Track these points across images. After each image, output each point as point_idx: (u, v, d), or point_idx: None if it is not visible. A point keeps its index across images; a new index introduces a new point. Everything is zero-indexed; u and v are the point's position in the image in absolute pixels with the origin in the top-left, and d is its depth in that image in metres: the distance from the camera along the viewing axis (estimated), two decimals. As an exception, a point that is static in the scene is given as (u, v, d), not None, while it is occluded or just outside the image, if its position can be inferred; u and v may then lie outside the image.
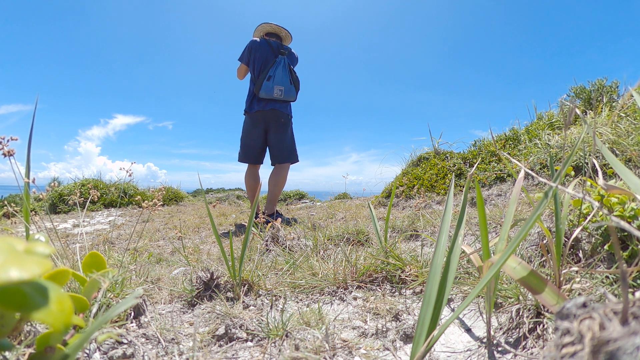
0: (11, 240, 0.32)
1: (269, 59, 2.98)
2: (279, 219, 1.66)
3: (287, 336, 0.74)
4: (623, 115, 2.08)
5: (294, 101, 3.10)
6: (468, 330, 0.79)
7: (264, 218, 2.73)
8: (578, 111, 0.67)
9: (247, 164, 3.06)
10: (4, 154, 0.80)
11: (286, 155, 3.04)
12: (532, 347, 0.66)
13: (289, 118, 3.06)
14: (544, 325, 0.68)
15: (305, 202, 5.49)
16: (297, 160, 3.12)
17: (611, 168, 1.61)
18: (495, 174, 2.63)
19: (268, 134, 3.02)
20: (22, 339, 0.57)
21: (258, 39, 3.02)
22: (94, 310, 0.55)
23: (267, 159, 3.13)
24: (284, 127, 3.03)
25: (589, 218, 0.83)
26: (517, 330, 0.72)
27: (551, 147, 2.32)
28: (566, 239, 0.84)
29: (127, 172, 1.27)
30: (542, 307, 0.71)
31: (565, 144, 1.59)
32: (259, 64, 2.97)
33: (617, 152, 1.77)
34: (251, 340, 0.75)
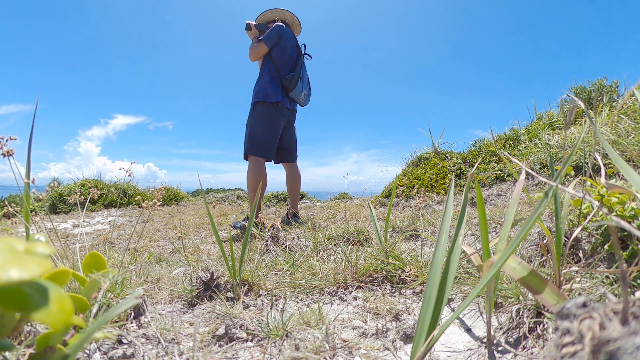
0: (11, 240, 0.32)
1: (294, 55, 2.80)
2: (279, 219, 1.66)
3: (287, 336, 0.74)
4: (623, 115, 2.08)
5: (303, 106, 3.00)
6: (468, 330, 0.79)
7: (292, 219, 2.70)
8: (582, 104, 0.67)
9: (255, 159, 2.62)
10: (3, 154, 0.80)
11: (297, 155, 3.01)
12: (532, 347, 0.66)
13: None
14: (544, 325, 0.68)
15: (305, 202, 5.49)
16: None
17: (611, 167, 1.61)
18: (495, 173, 2.63)
19: (283, 132, 2.85)
20: (22, 339, 0.57)
21: (284, 27, 2.77)
22: (94, 310, 0.55)
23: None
24: (294, 127, 2.97)
25: (589, 218, 0.83)
26: (517, 330, 0.72)
27: (551, 146, 2.32)
28: (566, 239, 0.84)
29: (127, 172, 1.27)
30: (542, 307, 0.71)
31: (565, 144, 1.59)
32: (285, 56, 2.74)
33: (617, 152, 1.77)
34: (251, 340, 0.75)
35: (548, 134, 2.59)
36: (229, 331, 0.76)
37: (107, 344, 0.66)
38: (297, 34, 3.04)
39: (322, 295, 1.01)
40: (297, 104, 2.93)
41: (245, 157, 2.70)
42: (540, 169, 2.26)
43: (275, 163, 2.95)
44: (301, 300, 1.00)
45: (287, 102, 2.75)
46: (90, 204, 4.38)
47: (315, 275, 1.09)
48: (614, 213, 0.77)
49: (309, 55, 2.94)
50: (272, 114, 2.66)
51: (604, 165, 1.67)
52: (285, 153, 2.90)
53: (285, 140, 2.87)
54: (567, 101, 2.99)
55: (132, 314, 0.80)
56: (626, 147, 1.74)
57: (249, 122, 2.71)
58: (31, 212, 0.92)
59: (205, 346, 0.72)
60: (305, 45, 2.94)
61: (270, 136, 2.66)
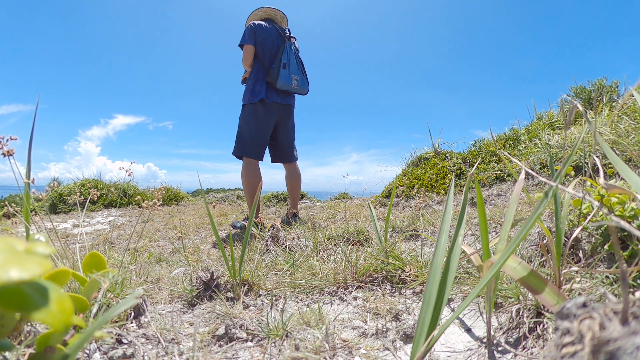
0: (11, 240, 0.32)
1: (278, 43, 2.66)
2: (279, 219, 1.67)
3: (287, 336, 0.74)
4: (623, 115, 2.08)
5: (305, 94, 2.79)
6: (468, 330, 0.79)
7: (293, 219, 2.69)
8: (580, 107, 0.67)
9: (247, 159, 2.62)
10: (4, 154, 0.80)
11: (296, 153, 2.88)
12: (532, 347, 0.66)
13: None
14: (544, 325, 0.68)
15: (305, 202, 5.48)
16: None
17: (611, 168, 1.61)
18: (495, 174, 2.63)
19: (277, 129, 2.74)
20: (22, 339, 0.57)
21: (258, 22, 2.65)
22: (94, 310, 0.55)
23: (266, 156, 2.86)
24: (292, 123, 2.84)
25: (589, 218, 0.83)
26: (517, 330, 0.72)
27: (551, 147, 2.32)
28: (566, 239, 0.84)
29: (126, 172, 1.27)
30: (542, 307, 0.71)
31: (565, 144, 1.59)
32: (269, 47, 2.62)
33: (617, 152, 1.77)
34: (251, 340, 0.75)
35: (548, 134, 2.59)
36: (229, 331, 0.76)
37: (107, 344, 0.66)
38: (285, 25, 2.88)
39: (322, 295, 1.01)
40: (296, 95, 2.79)
41: (239, 157, 2.69)
42: (540, 169, 2.26)
43: (272, 162, 2.88)
44: (301, 300, 1.00)
45: (276, 98, 2.63)
46: (90, 204, 4.38)
47: (315, 275, 1.09)
48: (614, 213, 0.77)
49: (293, 38, 2.77)
50: (259, 112, 2.62)
51: (604, 165, 1.67)
52: (282, 152, 2.81)
53: (281, 137, 2.77)
54: (567, 101, 2.99)
55: (132, 314, 0.80)
56: (626, 147, 1.74)
57: (239, 122, 2.72)
58: (31, 212, 0.92)
59: (205, 346, 0.72)
60: (289, 30, 2.79)
61: (258, 135, 2.61)
